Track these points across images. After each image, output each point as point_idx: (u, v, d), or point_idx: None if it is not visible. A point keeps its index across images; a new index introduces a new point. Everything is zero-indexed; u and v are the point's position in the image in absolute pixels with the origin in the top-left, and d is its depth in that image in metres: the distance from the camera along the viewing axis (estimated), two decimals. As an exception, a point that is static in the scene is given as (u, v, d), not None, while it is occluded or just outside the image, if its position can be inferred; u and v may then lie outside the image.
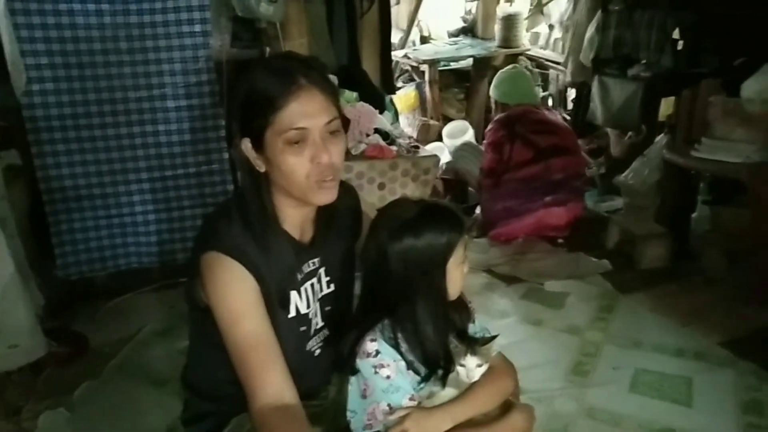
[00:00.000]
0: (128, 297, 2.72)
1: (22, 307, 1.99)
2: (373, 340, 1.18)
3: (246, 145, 1.15)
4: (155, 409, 1.99)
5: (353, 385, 1.21)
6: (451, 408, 1.16)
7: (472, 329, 1.28)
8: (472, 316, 1.30)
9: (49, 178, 2.42)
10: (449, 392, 1.19)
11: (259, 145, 1.13)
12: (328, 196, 1.17)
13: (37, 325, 2.08)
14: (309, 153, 1.12)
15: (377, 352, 1.17)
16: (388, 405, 1.15)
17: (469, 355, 1.19)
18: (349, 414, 1.21)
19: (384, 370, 1.16)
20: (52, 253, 2.49)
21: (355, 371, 1.19)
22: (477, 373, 1.19)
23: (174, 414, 1.75)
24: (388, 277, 1.17)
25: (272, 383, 1.11)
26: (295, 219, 1.22)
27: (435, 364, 1.19)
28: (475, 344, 1.21)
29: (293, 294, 1.22)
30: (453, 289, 1.21)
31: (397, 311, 1.18)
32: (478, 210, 3.58)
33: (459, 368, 1.19)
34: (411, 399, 1.16)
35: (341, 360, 1.23)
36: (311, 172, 1.13)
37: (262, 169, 1.15)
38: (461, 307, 1.28)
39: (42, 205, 2.44)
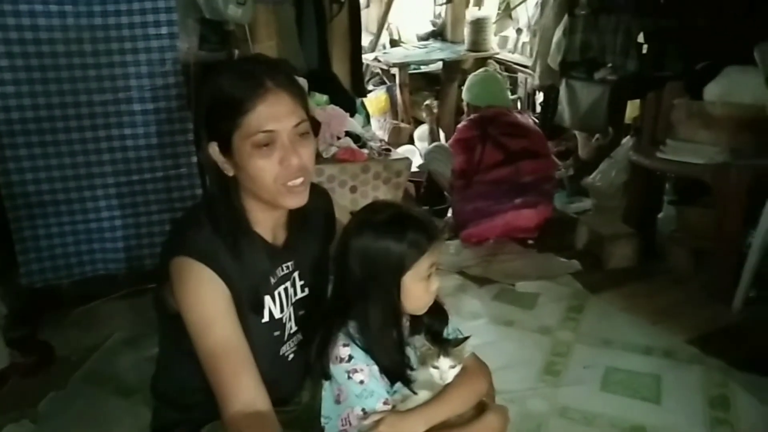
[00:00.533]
0: (95, 304, 2.66)
1: (-17, 317, 1.94)
2: (345, 345, 1.17)
3: (213, 148, 1.13)
4: (123, 419, 1.94)
5: (327, 390, 1.20)
6: (424, 410, 1.15)
7: (446, 331, 1.28)
8: (447, 319, 1.29)
9: (11, 184, 2.35)
10: (423, 395, 1.18)
11: (226, 149, 1.11)
12: (298, 199, 1.16)
13: (0, 336, 2.03)
14: (278, 156, 1.10)
15: (350, 357, 1.16)
16: (363, 410, 1.13)
17: (442, 357, 1.18)
18: (323, 420, 1.20)
19: (357, 375, 1.15)
20: (15, 260, 2.43)
21: (328, 376, 1.18)
22: (450, 375, 1.18)
23: (143, 423, 1.70)
24: (347, 275, 1.17)
25: (244, 390, 1.09)
26: (266, 222, 1.21)
27: (390, 372, 1.17)
28: (447, 346, 1.20)
29: (267, 299, 1.21)
30: (410, 304, 1.19)
31: (351, 312, 1.18)
32: (449, 213, 3.60)
33: (432, 370, 1.18)
34: (385, 403, 1.15)
35: (309, 364, 1.22)
36: (280, 175, 1.11)
37: (231, 173, 1.14)
38: (437, 311, 1.27)
39: (4, 212, 2.37)
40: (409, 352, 1.21)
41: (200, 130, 1.16)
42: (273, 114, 1.08)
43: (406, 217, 1.16)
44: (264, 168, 1.10)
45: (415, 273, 1.15)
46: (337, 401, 1.17)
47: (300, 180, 1.14)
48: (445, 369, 1.18)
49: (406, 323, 1.23)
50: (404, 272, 1.15)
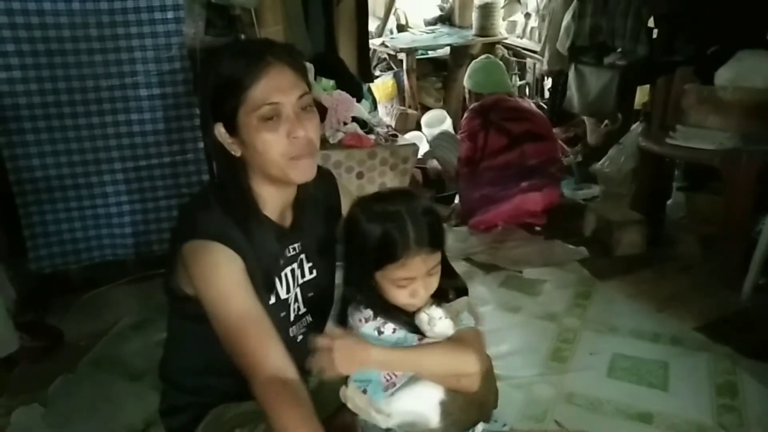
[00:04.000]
0: (103, 290, 2.67)
1: (-7, 301, 1.95)
2: (366, 308, 1.19)
3: (219, 130, 1.13)
4: (132, 403, 1.96)
5: None
6: (390, 351, 1.14)
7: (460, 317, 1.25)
8: (459, 284, 1.28)
9: (19, 169, 2.36)
10: None
11: (232, 128, 1.12)
12: (307, 172, 1.16)
13: (9, 320, 2.05)
14: (284, 129, 1.10)
15: (374, 314, 1.18)
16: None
17: (434, 306, 1.19)
18: (358, 384, 1.17)
19: (388, 326, 1.17)
20: (25, 246, 2.44)
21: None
22: (439, 325, 1.18)
23: (151, 407, 1.72)
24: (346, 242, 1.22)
25: (273, 357, 1.09)
26: (274, 203, 1.21)
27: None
28: (441, 299, 1.22)
29: (275, 280, 1.21)
30: (391, 299, 1.18)
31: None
32: (456, 199, 3.59)
33: (422, 315, 1.19)
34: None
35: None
36: (288, 148, 1.11)
37: (238, 153, 1.14)
38: (450, 275, 1.27)
39: (12, 197, 2.38)
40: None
41: (206, 113, 1.15)
42: (276, 86, 1.09)
43: (397, 218, 1.13)
44: (271, 141, 1.10)
45: (386, 275, 1.15)
46: None
47: (307, 152, 1.14)
48: (434, 317, 1.18)
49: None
50: (375, 269, 1.15)
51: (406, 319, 1.19)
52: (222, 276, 1.10)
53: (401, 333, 1.17)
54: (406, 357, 1.14)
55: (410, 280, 1.16)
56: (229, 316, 1.09)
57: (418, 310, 1.20)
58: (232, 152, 1.14)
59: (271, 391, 1.06)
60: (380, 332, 1.17)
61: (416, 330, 1.19)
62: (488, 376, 1.29)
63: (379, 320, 1.18)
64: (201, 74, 1.11)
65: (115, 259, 2.64)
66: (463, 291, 1.28)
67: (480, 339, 1.23)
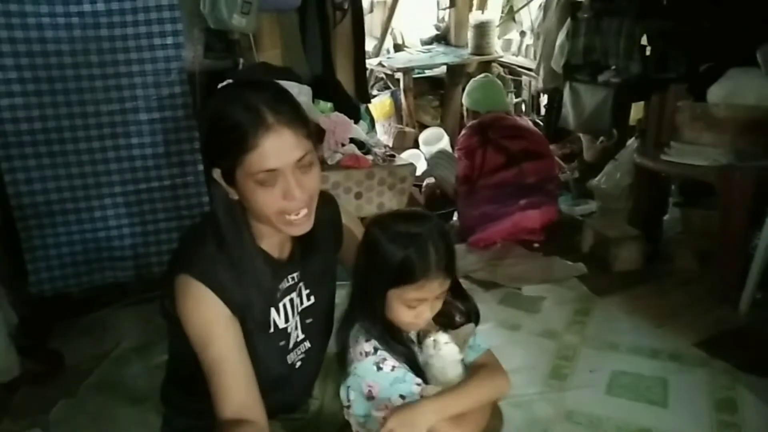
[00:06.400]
0: (104, 312, 2.68)
1: (-5, 326, 1.96)
2: (368, 340, 1.18)
3: (217, 173, 1.12)
4: (133, 427, 1.96)
5: (354, 391, 1.20)
6: (438, 400, 1.14)
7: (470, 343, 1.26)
8: (472, 308, 1.29)
9: (20, 194, 2.38)
10: (435, 387, 1.19)
11: (230, 180, 1.11)
12: (301, 229, 1.16)
13: (11, 345, 2.05)
14: (280, 190, 1.09)
15: (375, 349, 1.18)
16: (401, 396, 1.15)
17: (441, 332, 1.20)
18: (361, 419, 1.20)
19: (387, 363, 1.17)
20: (25, 269, 2.45)
21: (347, 373, 1.20)
22: (445, 349, 1.19)
23: (152, 431, 1.72)
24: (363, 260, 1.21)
25: (234, 400, 1.10)
26: (272, 238, 1.21)
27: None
28: (448, 325, 1.23)
29: (272, 311, 1.22)
30: (390, 315, 1.19)
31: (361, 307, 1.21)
32: (455, 217, 3.61)
33: (428, 341, 1.20)
34: (418, 384, 1.17)
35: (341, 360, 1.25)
36: (283, 207, 1.11)
37: (235, 197, 1.13)
38: (461, 297, 1.28)
39: (13, 221, 2.40)
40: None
41: (203, 154, 1.16)
42: (275, 152, 1.06)
43: (420, 241, 1.14)
44: (266, 203, 1.10)
45: (400, 294, 1.15)
46: (370, 397, 1.18)
47: (303, 212, 1.13)
48: (440, 341, 1.19)
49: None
50: (386, 288, 1.15)
51: (404, 350, 1.19)
52: (202, 321, 1.12)
53: (400, 372, 1.17)
54: (453, 400, 1.15)
55: (421, 301, 1.16)
56: (206, 357, 1.12)
57: (424, 336, 1.21)
58: (230, 195, 1.14)
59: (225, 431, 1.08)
60: (379, 368, 1.17)
61: (413, 364, 1.19)
62: (497, 409, 1.31)
63: (379, 355, 1.17)
64: (199, 117, 1.09)
65: (115, 281, 2.65)
66: (475, 315, 1.28)
67: (495, 358, 1.27)
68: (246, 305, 1.16)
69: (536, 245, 3.32)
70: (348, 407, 1.21)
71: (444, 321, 1.24)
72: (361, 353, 1.18)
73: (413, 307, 1.16)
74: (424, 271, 1.13)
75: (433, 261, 1.13)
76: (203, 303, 1.11)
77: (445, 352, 1.19)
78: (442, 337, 1.19)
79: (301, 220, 1.14)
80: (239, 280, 1.14)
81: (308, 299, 1.31)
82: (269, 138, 1.05)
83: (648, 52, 3.69)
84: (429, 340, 1.19)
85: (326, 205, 1.31)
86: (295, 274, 1.27)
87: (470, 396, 1.17)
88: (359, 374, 1.18)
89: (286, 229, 1.15)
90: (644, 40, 3.68)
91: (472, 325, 1.25)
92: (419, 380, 1.17)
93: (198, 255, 1.14)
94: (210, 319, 1.12)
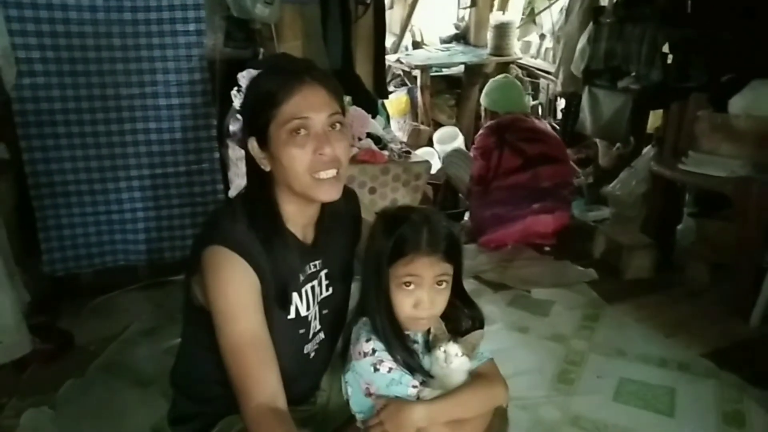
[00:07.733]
0: (114, 295, 2.69)
1: (8, 303, 1.97)
2: (368, 340, 1.19)
3: (252, 144, 1.16)
4: (140, 409, 1.97)
5: (353, 386, 1.22)
6: (431, 404, 1.16)
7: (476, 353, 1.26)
8: (478, 315, 1.30)
9: (37, 173, 2.40)
10: (433, 391, 1.19)
11: (264, 142, 1.14)
12: (330, 193, 1.17)
13: (23, 322, 2.06)
14: (311, 145, 1.12)
15: (373, 350, 1.19)
16: (397, 398, 1.16)
17: (451, 342, 1.20)
18: (358, 415, 1.23)
19: (384, 365, 1.18)
20: (39, 248, 2.47)
21: (346, 370, 1.22)
22: (456, 362, 1.19)
23: (159, 414, 1.73)
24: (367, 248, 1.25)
25: (266, 385, 1.10)
26: (298, 219, 1.23)
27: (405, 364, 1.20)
28: (458, 334, 1.22)
29: (294, 295, 1.22)
30: (396, 309, 1.20)
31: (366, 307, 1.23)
32: (466, 216, 3.60)
33: (438, 352, 1.20)
34: (414, 387, 1.17)
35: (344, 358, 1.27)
36: (312, 164, 1.12)
37: (268, 168, 1.16)
38: (468, 305, 1.29)
39: (29, 200, 2.42)
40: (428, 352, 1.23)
41: (244, 127, 1.18)
42: (308, 103, 1.11)
43: (414, 219, 1.18)
44: (297, 156, 1.11)
45: (394, 273, 1.17)
46: (368, 394, 1.19)
47: (333, 172, 1.15)
48: (451, 353, 1.19)
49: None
50: (384, 266, 1.17)
51: (404, 351, 1.19)
52: (234, 292, 1.11)
53: (396, 374, 1.17)
54: (446, 407, 1.16)
55: (416, 277, 1.16)
56: (232, 334, 1.10)
57: (434, 344, 1.21)
58: (263, 167, 1.16)
59: (260, 418, 1.08)
60: (376, 369, 1.17)
61: (412, 367, 1.19)
62: (503, 411, 1.31)
63: (377, 356, 1.18)
64: (246, 89, 1.13)
65: (126, 264, 2.67)
66: (480, 322, 1.29)
67: (497, 368, 1.27)
68: (272, 285, 1.16)
69: (547, 249, 3.31)
70: (347, 401, 1.24)
71: (450, 327, 1.24)
72: (359, 353, 1.19)
73: (408, 287, 1.17)
74: (414, 245, 1.15)
75: (424, 238, 1.16)
76: (237, 272, 1.11)
77: (455, 364, 1.19)
78: (452, 348, 1.19)
79: (331, 181, 1.15)
80: (268, 258, 1.15)
81: (327, 290, 1.31)
82: (303, 89, 1.11)
83: (669, 60, 3.66)
84: (440, 352, 1.19)
85: (348, 199, 1.32)
86: (317, 262, 1.27)
87: (464, 405, 1.18)
88: (358, 372, 1.20)
89: (315, 191, 1.15)
90: (666, 48, 3.65)
91: (481, 332, 1.25)
92: (416, 382, 1.18)
93: (229, 229, 1.15)
94: (244, 289, 1.11)
